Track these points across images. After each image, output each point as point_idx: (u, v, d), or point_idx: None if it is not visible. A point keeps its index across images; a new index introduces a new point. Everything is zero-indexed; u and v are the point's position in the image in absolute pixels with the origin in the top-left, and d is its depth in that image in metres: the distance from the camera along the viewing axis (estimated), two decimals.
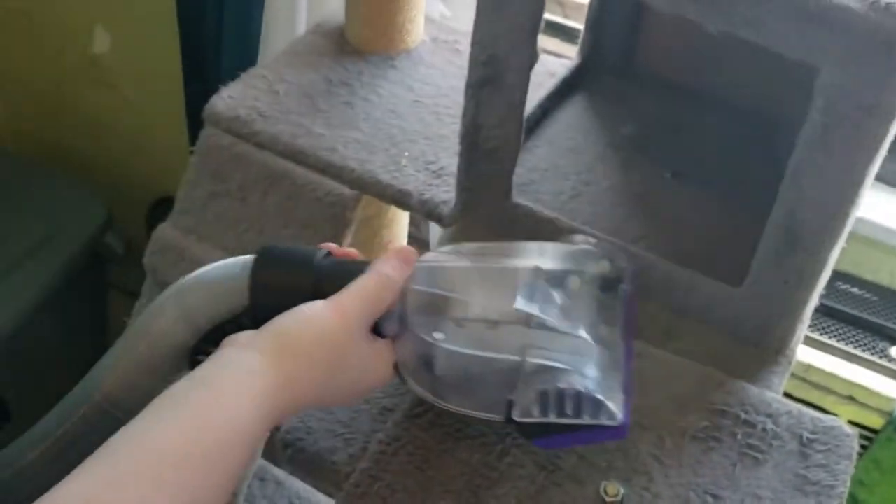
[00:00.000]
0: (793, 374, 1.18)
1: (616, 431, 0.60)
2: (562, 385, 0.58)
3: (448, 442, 0.75)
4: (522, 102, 0.85)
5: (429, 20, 1.17)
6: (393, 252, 0.63)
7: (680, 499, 0.73)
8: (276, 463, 0.96)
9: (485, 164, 0.90)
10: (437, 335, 0.60)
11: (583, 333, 0.61)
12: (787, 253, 0.80)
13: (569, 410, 0.58)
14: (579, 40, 1.10)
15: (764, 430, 0.78)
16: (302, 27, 1.38)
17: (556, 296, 0.62)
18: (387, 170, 0.96)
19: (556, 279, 0.64)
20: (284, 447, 0.77)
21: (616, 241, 0.90)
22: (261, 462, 1.08)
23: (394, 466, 0.73)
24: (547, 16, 1.33)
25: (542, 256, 0.66)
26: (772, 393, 0.81)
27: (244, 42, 1.42)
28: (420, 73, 1.10)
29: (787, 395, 0.87)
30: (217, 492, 0.52)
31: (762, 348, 0.86)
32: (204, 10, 1.46)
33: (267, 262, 0.63)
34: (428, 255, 0.65)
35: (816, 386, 1.33)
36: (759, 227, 0.83)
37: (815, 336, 1.34)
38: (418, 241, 1.38)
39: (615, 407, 0.59)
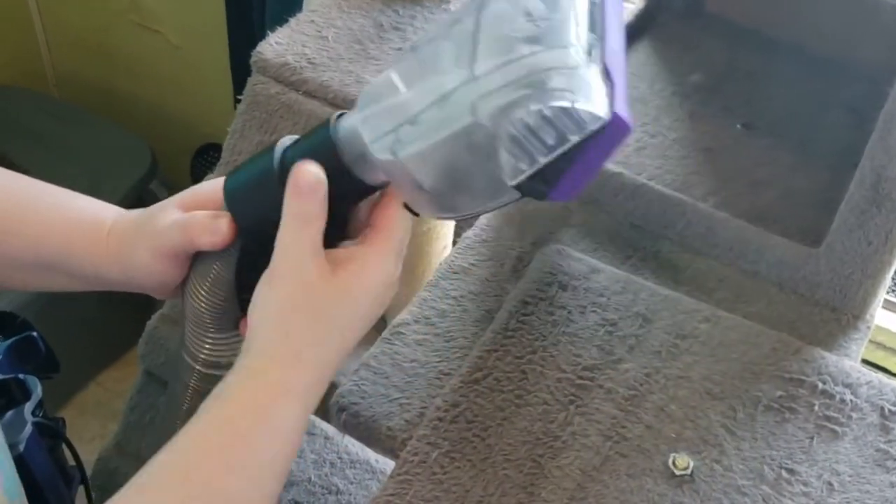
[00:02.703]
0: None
1: (617, 129, 0.46)
2: (525, 116, 0.45)
3: (509, 409, 0.72)
4: None
5: None
6: (293, 187, 0.54)
7: (753, 472, 0.69)
8: (325, 418, 0.94)
9: None
10: (397, 148, 0.50)
11: (530, 48, 0.47)
12: (873, 212, 0.75)
13: (550, 140, 0.46)
14: None
15: (843, 401, 0.74)
16: None
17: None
18: None
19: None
20: (339, 411, 0.74)
21: (682, 196, 0.86)
22: (310, 417, 1.06)
23: (452, 434, 0.70)
24: None
25: None
26: (850, 361, 0.77)
27: None
28: None
29: (863, 361, 0.83)
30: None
31: (840, 313, 0.81)
32: None
33: (234, 184, 0.57)
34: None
35: (882, 347, 1.28)
36: (839, 183, 0.78)
37: (890, 297, 1.28)
38: None
39: (592, 104, 0.45)
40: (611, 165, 0.87)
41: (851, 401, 0.73)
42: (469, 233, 0.86)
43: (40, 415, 0.84)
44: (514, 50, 0.47)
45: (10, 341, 1.08)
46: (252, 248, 0.56)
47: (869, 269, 0.78)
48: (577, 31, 0.47)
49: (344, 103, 0.95)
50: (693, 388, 0.74)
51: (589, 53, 0.47)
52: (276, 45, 1.00)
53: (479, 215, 0.54)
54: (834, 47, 0.97)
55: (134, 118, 1.90)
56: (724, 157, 0.92)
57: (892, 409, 0.73)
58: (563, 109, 0.45)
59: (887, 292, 1.29)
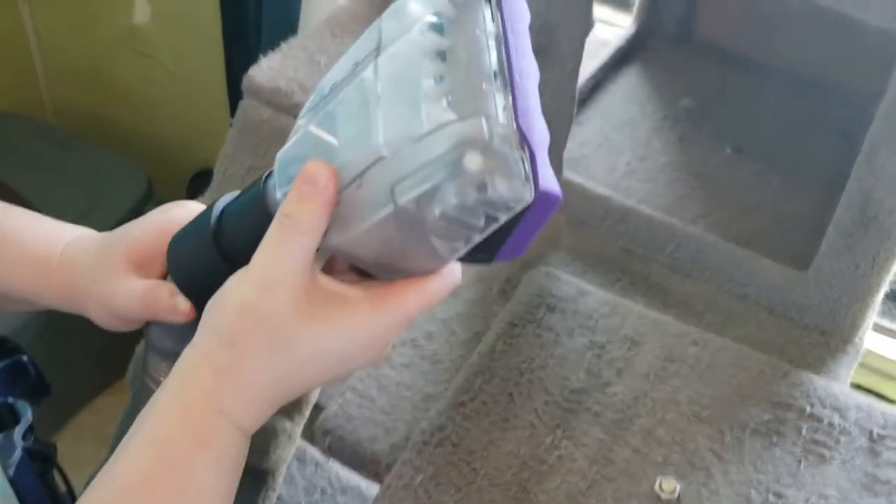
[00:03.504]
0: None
1: (547, 203, 0.43)
2: (448, 209, 0.42)
3: (495, 432, 0.72)
4: (576, 72, 0.80)
5: None
6: (297, 180, 0.47)
7: (740, 497, 0.68)
8: (314, 442, 0.93)
9: None
10: (329, 235, 0.47)
11: (438, 117, 0.43)
12: (860, 235, 0.75)
13: (479, 222, 0.43)
14: (635, 7, 1.05)
15: (831, 424, 0.73)
16: None
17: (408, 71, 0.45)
18: None
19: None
20: (324, 434, 0.73)
21: (672, 220, 0.86)
22: (300, 443, 1.05)
23: (437, 458, 0.70)
24: None
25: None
26: (839, 385, 0.76)
27: (285, 11, 1.38)
28: None
29: (857, 386, 0.82)
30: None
31: (829, 336, 0.81)
32: None
33: (174, 249, 0.54)
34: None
35: (876, 371, 1.27)
36: (827, 206, 0.78)
37: (879, 320, 1.28)
38: None
39: (513, 186, 0.42)
40: (599, 188, 0.87)
41: (840, 424, 0.73)
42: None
43: (31, 440, 0.83)
44: (419, 117, 0.43)
45: None
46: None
47: (857, 293, 0.78)
48: (485, 85, 0.43)
49: None
50: (681, 411, 0.74)
51: (499, 113, 0.43)
52: (267, 70, 1.00)
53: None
54: (823, 71, 0.97)
55: (131, 144, 1.91)
56: (715, 181, 0.92)
57: (881, 432, 0.72)
58: (486, 200, 0.42)
59: (881, 316, 1.28)
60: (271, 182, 0.49)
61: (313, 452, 1.07)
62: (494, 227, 0.43)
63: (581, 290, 0.81)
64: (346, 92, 0.47)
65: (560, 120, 0.84)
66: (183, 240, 0.53)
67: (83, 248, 0.58)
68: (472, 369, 0.75)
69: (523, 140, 0.42)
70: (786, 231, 0.87)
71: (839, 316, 0.80)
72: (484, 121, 0.42)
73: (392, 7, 0.48)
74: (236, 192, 0.52)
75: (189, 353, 0.49)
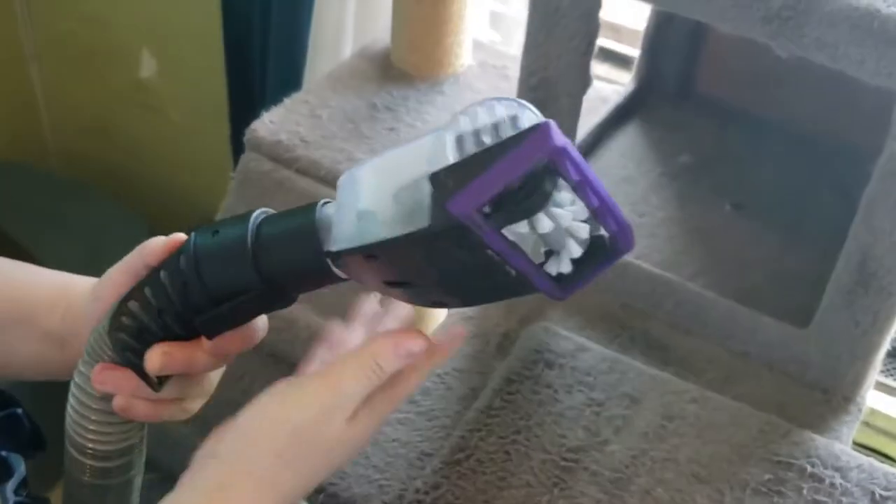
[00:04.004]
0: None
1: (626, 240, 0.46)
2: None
3: (491, 491, 0.70)
4: (574, 129, 0.81)
5: (477, 44, 1.13)
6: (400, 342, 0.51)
7: None
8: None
9: None
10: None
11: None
12: (860, 292, 0.74)
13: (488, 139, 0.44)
14: (634, 65, 1.05)
15: (832, 485, 0.72)
16: (348, 51, 1.35)
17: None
18: None
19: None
20: (317, 491, 0.72)
21: (672, 276, 0.85)
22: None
23: None
24: (601, 41, 1.29)
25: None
26: (840, 444, 0.75)
27: (290, 67, 1.40)
28: (467, 99, 1.06)
29: (863, 446, 0.81)
30: None
31: (830, 395, 0.80)
32: (250, 36, 1.44)
33: (203, 247, 0.52)
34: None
35: (882, 432, 1.25)
36: (827, 263, 0.77)
37: (883, 379, 1.26)
38: None
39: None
40: None
41: (841, 485, 0.72)
42: (454, 309, 0.86)
43: (24, 494, 0.82)
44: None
45: None
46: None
47: (858, 351, 0.77)
48: None
49: (335, 181, 0.96)
50: (680, 470, 0.72)
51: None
52: (269, 124, 1.01)
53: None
54: (822, 128, 0.97)
55: (134, 196, 1.92)
56: (714, 237, 0.92)
57: (884, 493, 0.71)
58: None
59: (886, 376, 1.27)
60: (328, 208, 0.50)
61: None
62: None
63: (580, 346, 0.80)
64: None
65: None
66: (214, 242, 0.52)
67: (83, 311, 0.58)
68: (469, 426, 0.74)
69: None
70: (786, 288, 0.87)
71: (840, 374, 0.79)
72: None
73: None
74: (269, 210, 0.53)
75: (223, 464, 0.50)
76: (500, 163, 0.42)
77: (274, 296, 0.51)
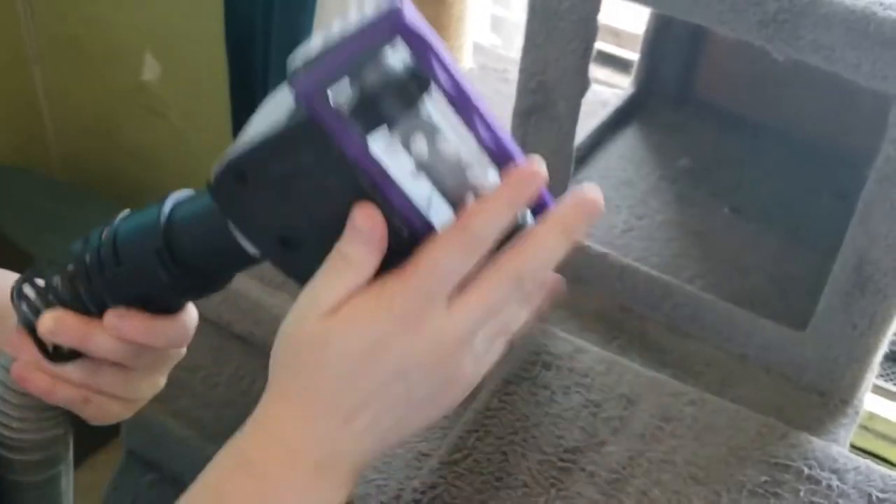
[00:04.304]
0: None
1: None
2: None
3: (488, 491, 0.71)
4: (572, 132, 0.81)
5: (477, 48, 1.14)
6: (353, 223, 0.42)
7: None
8: None
9: None
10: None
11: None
12: (857, 295, 0.75)
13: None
14: (634, 68, 1.06)
15: (829, 486, 0.72)
16: None
17: None
18: None
19: None
20: None
21: (670, 279, 0.85)
22: None
23: None
24: (601, 46, 1.29)
25: None
26: (838, 447, 0.76)
27: None
28: None
29: (851, 446, 0.81)
30: None
31: (827, 397, 0.80)
32: (252, 38, 1.45)
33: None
34: None
35: (881, 436, 1.25)
36: (825, 266, 0.77)
37: (881, 383, 1.26)
38: None
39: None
40: (597, 246, 0.87)
41: (838, 487, 0.72)
42: None
43: None
44: None
45: None
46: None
47: (855, 353, 0.77)
48: None
49: None
50: (677, 472, 0.73)
51: None
52: None
53: None
54: (819, 132, 0.98)
55: (137, 198, 1.92)
56: (712, 241, 0.92)
57: (881, 495, 0.71)
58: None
59: (885, 379, 1.27)
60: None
61: None
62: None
63: (577, 348, 0.80)
64: None
65: (557, 178, 0.84)
66: (130, 218, 0.49)
67: None
68: (466, 427, 0.74)
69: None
70: (783, 291, 0.87)
71: (837, 376, 0.79)
72: None
73: None
74: (190, 192, 0.49)
75: (255, 419, 0.44)
76: (346, 41, 0.39)
77: (185, 278, 0.47)
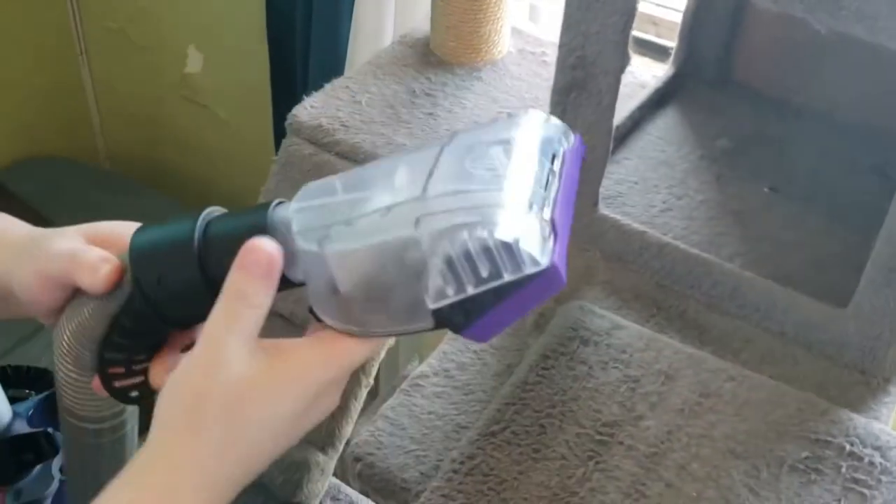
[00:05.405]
0: None
1: (550, 281, 0.45)
2: (467, 240, 0.44)
3: (525, 462, 0.71)
4: (612, 108, 0.81)
5: (516, 32, 1.14)
6: (243, 257, 0.48)
7: None
8: (347, 482, 0.93)
9: None
10: (325, 243, 0.47)
11: (492, 181, 0.47)
12: None
13: (484, 272, 0.44)
14: (673, 50, 1.05)
15: (871, 463, 0.71)
16: (388, 41, 1.37)
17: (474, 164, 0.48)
18: None
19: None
20: (354, 461, 0.73)
21: (709, 256, 0.85)
22: (333, 481, 1.05)
23: (467, 487, 0.69)
24: (640, 34, 1.29)
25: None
26: (880, 424, 0.75)
27: (331, 57, 1.41)
28: (505, 85, 1.07)
29: None
30: None
31: (869, 376, 0.79)
32: (293, 32, 1.46)
33: (143, 249, 0.51)
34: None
35: None
36: (866, 243, 0.77)
37: None
38: None
39: (534, 248, 0.45)
40: (635, 224, 0.87)
41: (881, 464, 0.71)
42: None
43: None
44: (469, 181, 0.47)
45: (40, 396, 1.10)
46: (139, 312, 0.52)
47: None
48: (533, 186, 0.47)
49: None
50: (716, 446, 0.72)
51: (541, 206, 0.47)
52: (310, 109, 1.03)
53: (382, 337, 0.51)
54: (859, 110, 0.97)
55: (181, 190, 1.95)
56: (752, 220, 0.92)
57: None
58: (505, 244, 0.44)
59: None
60: (281, 209, 0.50)
61: (347, 491, 1.06)
62: (494, 284, 0.45)
63: (615, 324, 0.80)
64: (393, 161, 0.51)
65: (596, 155, 0.84)
66: (157, 235, 0.51)
67: (27, 228, 0.58)
68: (504, 400, 0.75)
69: (553, 225, 0.46)
70: (825, 269, 0.86)
71: (879, 354, 0.78)
72: (524, 196, 0.46)
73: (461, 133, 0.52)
74: (220, 209, 0.52)
75: (145, 447, 0.48)
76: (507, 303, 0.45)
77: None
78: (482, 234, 0.44)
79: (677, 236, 0.88)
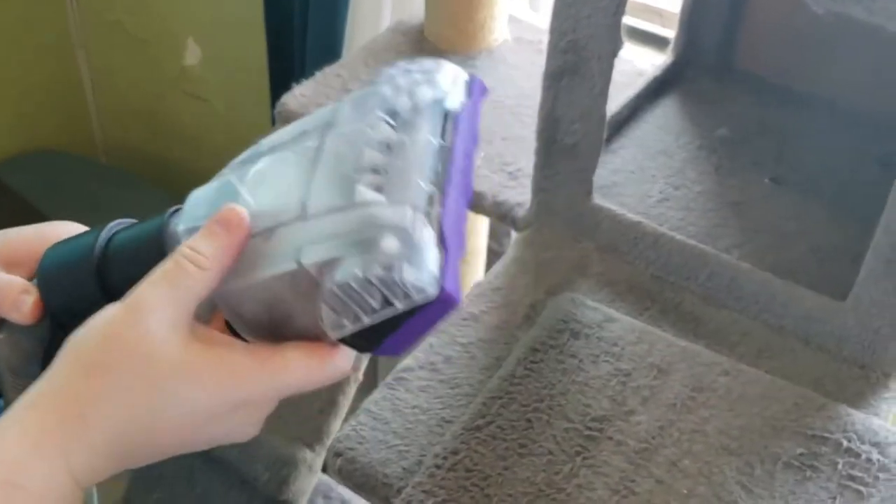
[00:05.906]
0: None
1: (444, 305, 0.44)
2: (349, 279, 0.42)
3: (511, 458, 0.69)
4: (605, 93, 0.79)
5: (513, 19, 1.12)
6: (211, 220, 0.46)
7: None
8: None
9: (563, 161, 0.83)
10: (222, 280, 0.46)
11: (368, 196, 0.44)
12: None
13: (375, 303, 0.43)
14: (672, 37, 1.03)
15: (869, 460, 0.69)
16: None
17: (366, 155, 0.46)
18: None
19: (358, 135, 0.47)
20: (335, 456, 0.71)
21: (706, 248, 0.83)
22: (324, 478, 1.03)
23: (450, 482, 0.67)
24: (643, 25, 1.27)
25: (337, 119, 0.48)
26: (879, 420, 0.72)
27: (328, 47, 1.40)
28: (500, 73, 1.05)
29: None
30: None
31: (868, 370, 0.77)
32: (291, 25, 1.45)
33: (50, 260, 0.50)
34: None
35: None
36: (866, 235, 0.74)
37: None
38: (498, 256, 1.32)
39: (421, 277, 0.42)
40: (630, 214, 0.84)
41: (879, 460, 0.69)
42: (481, 280, 0.84)
43: None
44: (351, 193, 0.44)
45: None
46: (66, 326, 0.49)
47: None
48: (422, 183, 0.45)
49: None
50: (708, 442, 0.70)
51: (428, 211, 0.44)
52: (300, 97, 1.01)
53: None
54: (865, 102, 0.94)
55: (180, 184, 1.93)
56: (751, 211, 0.89)
57: None
58: (390, 278, 0.42)
59: None
60: (175, 218, 0.48)
61: (339, 489, 1.05)
62: (386, 314, 0.43)
63: (607, 317, 0.78)
64: (284, 154, 0.48)
65: (589, 143, 0.82)
66: (61, 254, 0.50)
67: None
68: (490, 393, 0.73)
69: (441, 242, 0.44)
70: (824, 261, 0.84)
71: (879, 348, 0.76)
72: (410, 211, 0.43)
73: (353, 94, 0.49)
74: (129, 221, 0.51)
75: (38, 383, 0.44)
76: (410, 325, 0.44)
77: None
78: (364, 271, 0.42)
79: (674, 227, 0.85)
